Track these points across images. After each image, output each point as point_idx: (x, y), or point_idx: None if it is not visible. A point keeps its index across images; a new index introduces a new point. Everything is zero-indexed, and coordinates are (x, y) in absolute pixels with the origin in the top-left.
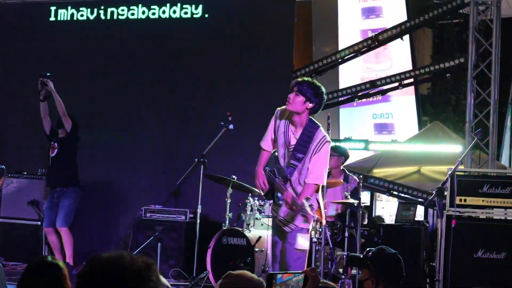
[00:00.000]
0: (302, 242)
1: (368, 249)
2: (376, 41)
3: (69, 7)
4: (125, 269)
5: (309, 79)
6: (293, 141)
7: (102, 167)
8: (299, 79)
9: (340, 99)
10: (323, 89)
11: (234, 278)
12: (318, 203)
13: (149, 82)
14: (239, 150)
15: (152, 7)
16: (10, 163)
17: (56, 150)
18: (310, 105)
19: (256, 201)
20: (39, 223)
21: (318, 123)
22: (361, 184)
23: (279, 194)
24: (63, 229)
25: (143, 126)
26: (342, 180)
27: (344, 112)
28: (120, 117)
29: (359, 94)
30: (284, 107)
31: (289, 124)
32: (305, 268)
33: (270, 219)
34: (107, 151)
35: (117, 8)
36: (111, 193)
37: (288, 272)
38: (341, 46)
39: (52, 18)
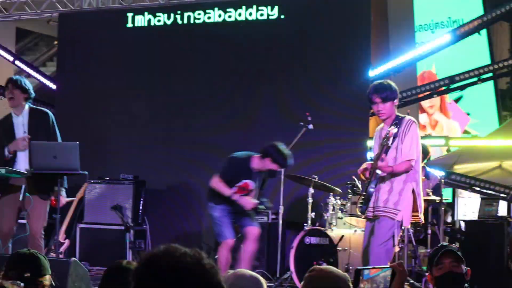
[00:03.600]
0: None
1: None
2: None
3: (146, 13)
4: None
5: (376, 82)
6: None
7: (185, 168)
8: (372, 90)
9: (418, 96)
10: (389, 81)
11: (320, 272)
12: (415, 200)
13: (227, 84)
14: (319, 149)
15: (228, 10)
16: (92, 168)
17: None
18: (396, 101)
19: (338, 201)
20: (122, 228)
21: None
22: (442, 180)
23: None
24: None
25: (222, 127)
26: (423, 177)
27: None
28: (200, 119)
29: (437, 91)
30: (379, 126)
31: (382, 128)
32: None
33: (352, 218)
34: (189, 153)
35: (193, 12)
36: (193, 195)
37: (376, 267)
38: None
39: (129, 25)
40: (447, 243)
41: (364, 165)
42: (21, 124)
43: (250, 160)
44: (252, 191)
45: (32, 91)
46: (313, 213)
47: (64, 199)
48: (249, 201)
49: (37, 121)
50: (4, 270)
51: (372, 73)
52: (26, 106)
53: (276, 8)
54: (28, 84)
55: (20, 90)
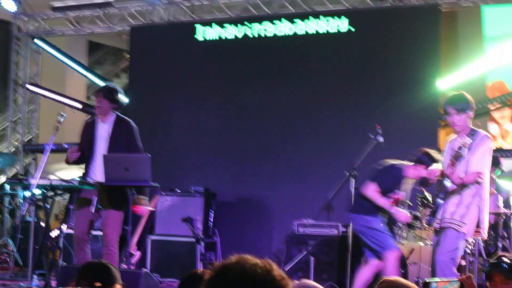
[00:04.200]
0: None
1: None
2: None
3: (215, 26)
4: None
5: (451, 94)
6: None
7: (255, 181)
8: (447, 101)
9: (490, 108)
10: (464, 93)
11: (390, 283)
12: (479, 213)
13: (297, 96)
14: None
15: (298, 23)
16: (164, 181)
17: None
18: (471, 113)
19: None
20: (193, 240)
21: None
22: None
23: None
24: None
25: (291, 140)
26: (494, 190)
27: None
28: (269, 131)
29: (510, 103)
30: (449, 137)
31: (454, 140)
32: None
33: (423, 231)
34: (259, 165)
35: (263, 25)
36: (264, 208)
37: (444, 280)
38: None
39: (200, 38)
40: (502, 255)
41: (436, 169)
42: (105, 131)
43: (404, 169)
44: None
45: (122, 102)
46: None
47: (146, 207)
48: (405, 215)
49: (120, 131)
50: (76, 280)
51: (441, 84)
52: (114, 115)
53: (346, 21)
54: (119, 95)
55: (109, 100)
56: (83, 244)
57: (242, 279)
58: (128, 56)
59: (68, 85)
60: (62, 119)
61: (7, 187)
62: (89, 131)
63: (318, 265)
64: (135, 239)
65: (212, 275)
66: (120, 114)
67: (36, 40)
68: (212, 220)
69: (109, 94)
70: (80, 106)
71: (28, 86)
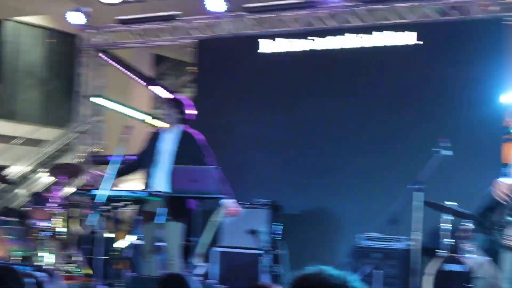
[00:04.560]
0: None
1: None
2: None
3: (280, 39)
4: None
5: None
6: None
7: (320, 194)
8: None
9: None
10: None
11: None
12: None
13: (362, 109)
14: (451, 175)
15: (364, 36)
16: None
17: None
18: None
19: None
20: (258, 252)
21: None
22: None
23: None
24: None
25: (357, 153)
26: None
27: None
28: (335, 144)
29: None
30: None
31: None
32: None
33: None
34: (324, 178)
35: (326, 38)
36: (328, 220)
37: None
38: None
39: (264, 50)
40: None
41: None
42: (170, 142)
43: None
44: None
45: (190, 114)
46: (450, 240)
47: (234, 209)
48: None
49: (186, 142)
50: None
51: (505, 99)
52: (180, 127)
53: (414, 34)
54: (187, 107)
55: (177, 111)
56: (151, 255)
57: None
58: (192, 69)
59: (134, 97)
60: (129, 131)
61: (74, 197)
62: (153, 142)
63: (382, 278)
64: (200, 250)
65: (292, 285)
66: (187, 127)
67: (101, 54)
68: (277, 233)
69: (177, 105)
70: (145, 118)
71: (93, 98)
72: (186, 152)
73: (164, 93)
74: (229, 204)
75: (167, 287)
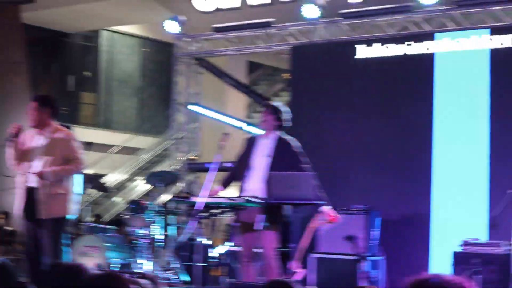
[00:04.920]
0: None
1: None
2: None
3: (375, 44)
4: None
5: None
6: None
7: (418, 199)
8: None
9: None
10: None
11: None
12: None
13: (459, 114)
14: None
15: (457, 39)
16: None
17: None
18: None
19: None
20: (356, 258)
21: None
22: None
23: None
24: None
25: (457, 159)
26: None
27: None
28: (432, 149)
29: None
30: None
31: None
32: None
33: None
34: (422, 183)
35: (423, 43)
36: (425, 225)
37: None
38: None
39: (360, 56)
40: None
41: None
42: (265, 148)
43: None
44: None
45: (287, 122)
46: None
47: (333, 216)
48: None
49: (282, 149)
50: None
51: None
52: (276, 133)
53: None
54: (284, 114)
55: (274, 117)
56: (249, 262)
57: None
58: (286, 76)
59: (229, 104)
60: (226, 138)
61: (172, 205)
62: (249, 148)
63: (484, 284)
64: (298, 256)
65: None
66: (284, 133)
67: (197, 62)
68: (375, 238)
69: (275, 111)
70: (241, 125)
71: (189, 106)
72: (283, 158)
73: (259, 100)
74: (328, 210)
75: None
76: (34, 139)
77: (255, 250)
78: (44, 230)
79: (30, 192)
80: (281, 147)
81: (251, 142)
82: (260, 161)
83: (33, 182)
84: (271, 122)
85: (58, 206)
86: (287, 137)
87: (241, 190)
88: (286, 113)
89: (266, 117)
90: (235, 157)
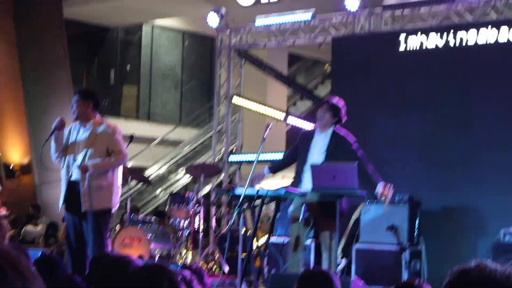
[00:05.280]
0: None
1: None
2: None
3: (418, 35)
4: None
5: None
6: None
7: (460, 190)
8: None
9: None
10: None
11: None
12: None
13: (503, 105)
14: None
15: (501, 29)
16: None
17: None
18: None
19: None
20: (398, 248)
21: None
22: None
23: None
24: None
25: (500, 149)
26: None
27: None
28: (474, 139)
29: None
30: None
31: None
32: None
33: None
34: (464, 174)
35: (466, 33)
36: (469, 216)
37: None
38: None
39: (402, 47)
40: None
41: None
42: (321, 142)
43: None
44: None
45: (343, 118)
46: None
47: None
48: None
49: (336, 144)
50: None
51: None
52: (332, 128)
53: None
54: (340, 110)
55: (331, 114)
56: (293, 253)
57: (481, 283)
58: (329, 66)
59: (270, 95)
60: (269, 130)
61: (213, 196)
62: (305, 141)
63: None
64: (341, 247)
65: (451, 278)
66: (338, 127)
67: (239, 54)
68: (417, 229)
69: (332, 108)
70: (282, 116)
71: (232, 99)
72: (339, 153)
73: (301, 92)
74: (382, 186)
75: (311, 285)
76: (77, 132)
77: (301, 241)
78: (88, 223)
79: (74, 186)
80: (337, 142)
81: (308, 136)
82: (317, 158)
83: (77, 175)
84: (329, 119)
85: (101, 199)
86: (343, 132)
87: (295, 184)
88: (343, 108)
89: (324, 114)
90: (288, 148)
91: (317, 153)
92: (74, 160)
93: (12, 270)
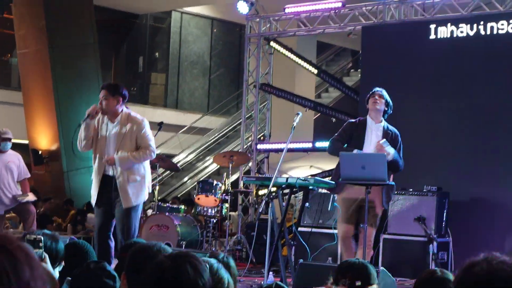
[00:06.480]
0: None
1: None
2: None
3: (449, 24)
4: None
5: None
6: None
7: (489, 180)
8: None
9: None
10: None
11: None
12: None
13: None
14: None
15: None
16: (396, 180)
17: None
18: None
19: None
20: (425, 239)
21: None
22: None
23: None
24: None
25: None
26: None
27: None
28: (503, 129)
29: None
30: None
31: None
32: None
33: None
34: (493, 164)
35: (497, 23)
36: (497, 208)
37: None
38: None
39: (432, 36)
40: None
41: None
42: (376, 130)
43: None
44: None
45: (390, 109)
46: None
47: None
48: None
49: (391, 139)
50: (334, 278)
51: None
52: (383, 119)
53: None
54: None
55: (386, 102)
56: (349, 242)
57: (488, 275)
58: (357, 56)
59: (298, 84)
60: (298, 118)
61: (241, 184)
62: (361, 131)
63: None
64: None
65: (460, 271)
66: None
67: (272, 43)
68: (445, 220)
69: (385, 97)
70: (310, 104)
71: (260, 87)
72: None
73: (330, 81)
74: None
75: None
76: (107, 126)
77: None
78: (120, 215)
79: (106, 180)
80: (390, 137)
81: (362, 125)
82: (369, 148)
83: (109, 170)
84: (383, 107)
85: (133, 194)
86: (392, 127)
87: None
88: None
89: (380, 102)
90: (338, 133)
91: (372, 145)
92: (104, 155)
93: (25, 257)
